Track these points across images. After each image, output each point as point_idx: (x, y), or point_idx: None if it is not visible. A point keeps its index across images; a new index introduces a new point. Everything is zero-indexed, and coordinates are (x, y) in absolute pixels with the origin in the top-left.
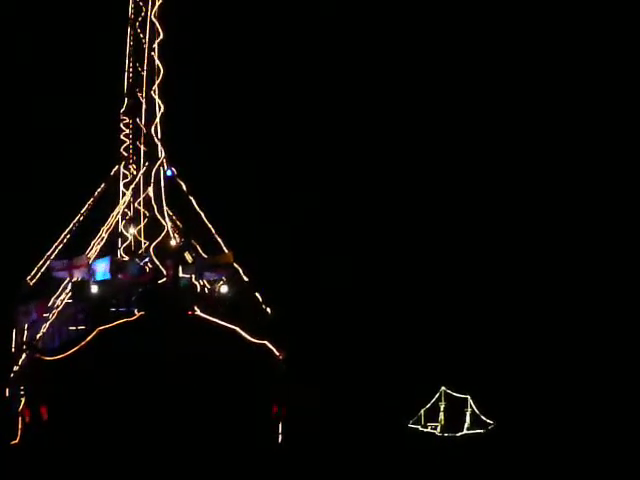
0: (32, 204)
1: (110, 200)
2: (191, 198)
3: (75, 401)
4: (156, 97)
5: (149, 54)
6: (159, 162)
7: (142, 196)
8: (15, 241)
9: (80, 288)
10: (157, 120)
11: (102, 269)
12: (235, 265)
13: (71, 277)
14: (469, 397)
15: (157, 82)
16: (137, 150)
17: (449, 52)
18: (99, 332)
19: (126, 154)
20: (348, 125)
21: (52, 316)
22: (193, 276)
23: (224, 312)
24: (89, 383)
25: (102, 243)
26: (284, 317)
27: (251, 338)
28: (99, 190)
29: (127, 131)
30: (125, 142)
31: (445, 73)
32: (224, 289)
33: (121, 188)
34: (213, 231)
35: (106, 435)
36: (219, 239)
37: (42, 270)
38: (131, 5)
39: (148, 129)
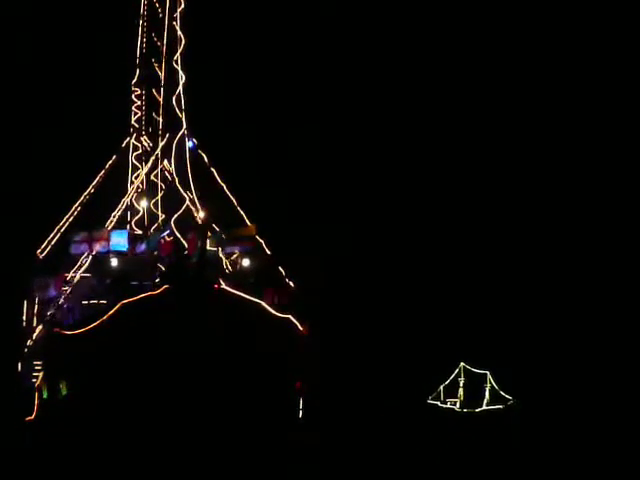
0: (42, 177)
1: (121, 172)
2: (213, 170)
3: (96, 376)
4: (178, 67)
5: (170, 24)
6: (180, 133)
7: (159, 168)
8: (25, 214)
9: (100, 261)
10: (179, 91)
11: (120, 241)
12: (257, 238)
13: (91, 250)
14: (488, 373)
15: (179, 52)
16: (154, 122)
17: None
18: (122, 306)
19: (138, 126)
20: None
21: (71, 290)
22: (218, 249)
23: (247, 285)
24: (111, 358)
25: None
26: (307, 291)
27: (275, 312)
28: (110, 162)
29: (139, 102)
30: (137, 114)
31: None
32: (246, 262)
33: (132, 160)
34: (235, 203)
35: (128, 410)
36: (241, 212)
37: (52, 243)
38: None
39: (167, 100)
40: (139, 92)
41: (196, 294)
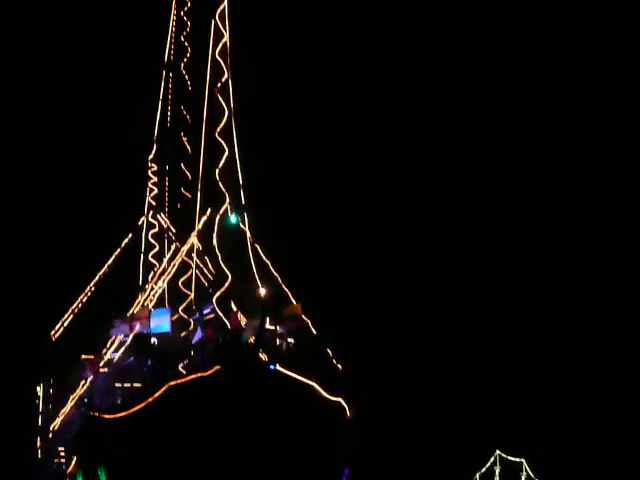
0: (56, 255)
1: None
2: (257, 246)
3: (139, 463)
4: (221, 139)
5: (210, 94)
6: (223, 208)
7: (189, 245)
8: (38, 294)
9: (142, 342)
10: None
11: (162, 321)
12: (304, 317)
13: (131, 330)
14: (524, 461)
15: (222, 124)
16: (180, 198)
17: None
18: (169, 387)
19: (154, 203)
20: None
21: (108, 371)
22: (276, 328)
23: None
24: (155, 443)
25: (159, 295)
26: (354, 373)
27: (327, 395)
28: (125, 241)
29: (155, 179)
30: (153, 190)
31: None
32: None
33: (147, 238)
34: (280, 281)
35: None
36: (287, 290)
37: (65, 324)
38: (168, 46)
39: (208, 174)
40: (155, 168)
41: (250, 376)
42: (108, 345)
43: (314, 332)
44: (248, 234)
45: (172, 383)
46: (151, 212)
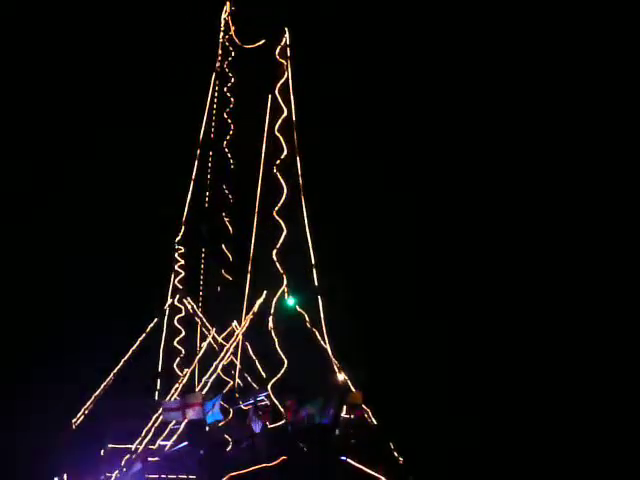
0: (77, 336)
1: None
2: (314, 330)
3: None
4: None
5: (265, 171)
6: (280, 291)
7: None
8: (61, 379)
9: (197, 429)
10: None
11: (213, 409)
12: (364, 407)
13: (184, 418)
14: None
15: (281, 202)
16: (220, 280)
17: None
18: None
19: (181, 286)
20: None
21: (158, 461)
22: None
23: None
24: None
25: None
26: (416, 465)
27: None
28: (151, 326)
29: (182, 262)
30: (180, 273)
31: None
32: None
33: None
34: (337, 368)
35: None
36: (347, 378)
37: (86, 411)
38: (205, 124)
39: (259, 255)
40: (182, 250)
41: (321, 467)
42: (144, 433)
43: (375, 422)
44: (308, 319)
45: (234, 474)
46: (177, 296)
